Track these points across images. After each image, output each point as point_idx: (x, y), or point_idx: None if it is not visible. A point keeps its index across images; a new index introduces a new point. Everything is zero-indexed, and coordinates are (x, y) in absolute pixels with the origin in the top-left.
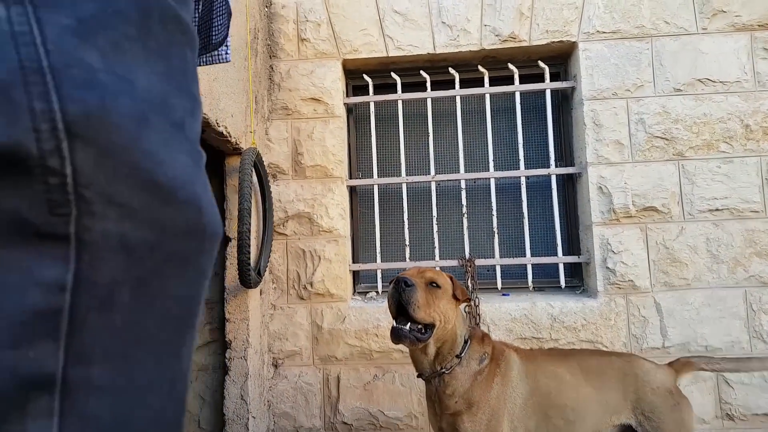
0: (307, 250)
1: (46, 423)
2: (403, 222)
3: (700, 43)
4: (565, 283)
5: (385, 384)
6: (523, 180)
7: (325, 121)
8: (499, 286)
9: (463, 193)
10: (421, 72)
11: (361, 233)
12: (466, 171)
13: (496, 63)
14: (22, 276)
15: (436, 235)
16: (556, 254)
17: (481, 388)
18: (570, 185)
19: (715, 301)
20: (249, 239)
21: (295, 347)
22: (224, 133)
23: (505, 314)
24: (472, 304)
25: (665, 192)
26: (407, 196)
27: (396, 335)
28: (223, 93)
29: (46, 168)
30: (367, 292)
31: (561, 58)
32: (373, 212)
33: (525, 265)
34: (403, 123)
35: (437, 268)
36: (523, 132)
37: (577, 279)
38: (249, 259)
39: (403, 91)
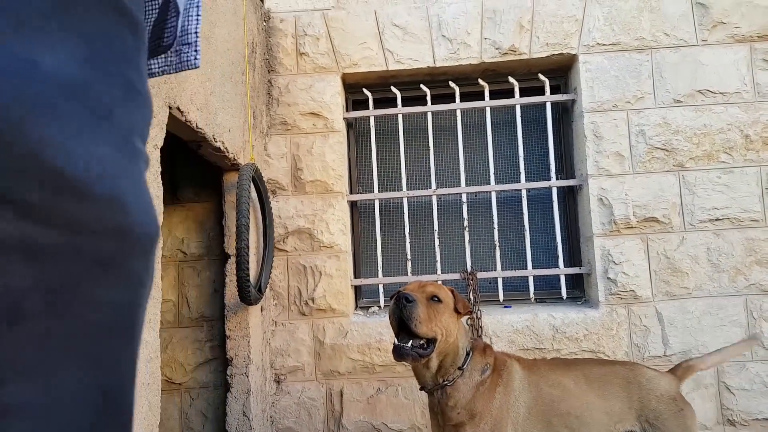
0: (308, 265)
1: None
2: (405, 236)
3: (700, 55)
4: (567, 294)
5: (389, 397)
6: (524, 193)
7: (325, 136)
8: (501, 298)
9: (464, 207)
10: (421, 86)
11: (362, 248)
12: (467, 185)
13: (497, 76)
14: None
15: (437, 249)
16: (557, 266)
17: (484, 398)
18: (571, 197)
19: (715, 310)
20: (248, 255)
21: (298, 363)
22: (221, 148)
23: (508, 326)
24: (474, 316)
25: (666, 203)
26: (408, 210)
27: (398, 353)
28: (220, 108)
29: None
30: (369, 307)
31: (561, 71)
32: (374, 227)
33: (526, 277)
34: (404, 137)
35: (439, 282)
36: (523, 145)
37: (579, 290)
38: (248, 275)
39: (403, 105)
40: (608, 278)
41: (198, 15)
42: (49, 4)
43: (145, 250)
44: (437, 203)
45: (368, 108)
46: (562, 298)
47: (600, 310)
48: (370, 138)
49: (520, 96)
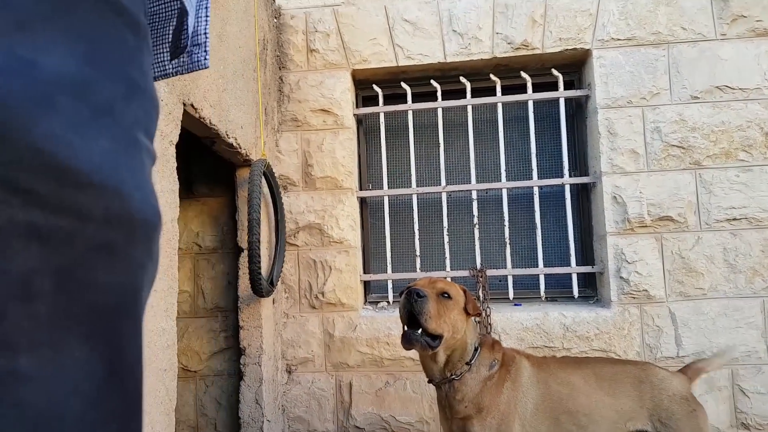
0: (318, 260)
1: None
2: (414, 233)
3: (719, 50)
4: (579, 293)
5: (397, 390)
6: (536, 190)
7: (335, 133)
8: (511, 296)
9: (475, 204)
10: (432, 81)
11: (372, 244)
12: (477, 181)
13: (509, 71)
14: None
15: (446, 246)
16: (569, 264)
17: (491, 393)
18: (584, 195)
19: (731, 311)
20: (259, 249)
21: (308, 354)
22: (234, 144)
23: (517, 324)
24: (484, 314)
25: (681, 201)
26: (418, 206)
27: (407, 340)
28: (232, 104)
29: None
30: (378, 302)
31: (575, 66)
32: (384, 223)
33: (537, 276)
34: (414, 133)
35: (448, 279)
36: (536, 141)
37: (591, 289)
38: (260, 268)
39: (413, 101)
40: (621, 277)
41: (207, 16)
42: (49, 7)
43: (145, 237)
44: (447, 200)
45: (378, 104)
46: (573, 296)
47: (612, 309)
48: (379, 134)
49: (533, 91)
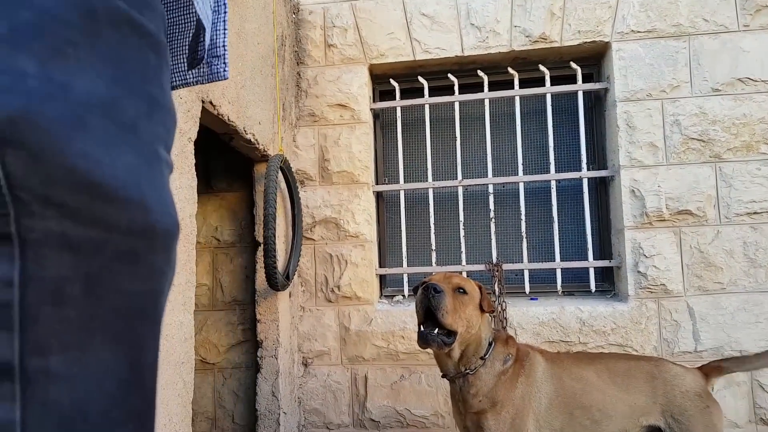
0: (334, 254)
1: (8, 407)
2: (430, 227)
3: (742, 41)
4: (596, 287)
5: (412, 384)
6: (553, 184)
7: (352, 127)
8: (527, 290)
9: (491, 198)
10: (449, 75)
11: (387, 238)
12: (494, 175)
13: (527, 64)
14: None
15: (462, 240)
16: (586, 258)
17: (505, 387)
18: (602, 188)
19: (751, 306)
20: (274, 243)
21: (324, 347)
22: (252, 140)
23: (533, 318)
24: (500, 308)
25: (701, 195)
26: (434, 201)
27: (424, 339)
28: (250, 101)
29: None
30: (394, 296)
31: (594, 59)
32: (400, 217)
33: (554, 270)
34: (430, 127)
35: (464, 273)
36: (554, 135)
37: (608, 283)
38: (275, 262)
39: (430, 95)
40: (638, 272)
41: (225, 29)
42: (80, 32)
43: (165, 245)
44: (463, 194)
45: (395, 98)
46: (590, 291)
47: (629, 303)
48: (396, 128)
49: (551, 84)
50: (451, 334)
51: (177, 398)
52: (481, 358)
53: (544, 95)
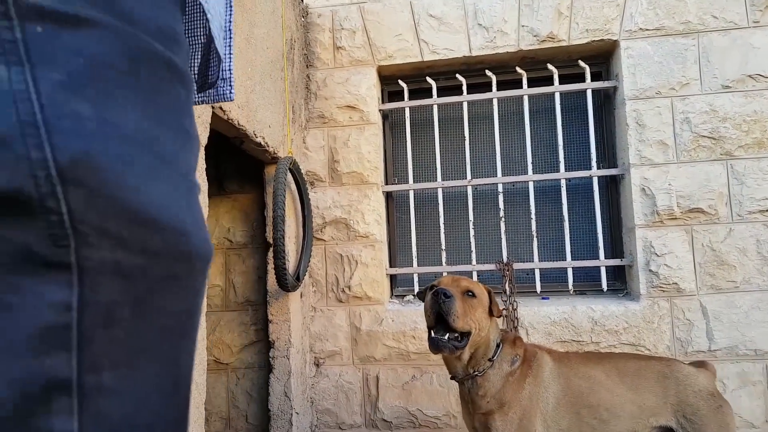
0: (344, 254)
1: (67, 419)
2: (439, 226)
3: (752, 38)
4: (608, 286)
5: (423, 384)
6: (563, 182)
7: (361, 128)
8: (539, 289)
9: (501, 197)
10: (457, 75)
11: (397, 238)
12: (503, 174)
13: (535, 63)
14: (36, 298)
15: (472, 240)
16: (597, 257)
17: (513, 388)
18: (613, 187)
19: (765, 304)
20: (283, 245)
21: (335, 347)
22: (262, 143)
23: (544, 318)
24: (510, 307)
25: (712, 193)
26: (443, 200)
27: (435, 345)
28: (260, 105)
29: (45, 208)
30: (405, 296)
31: (602, 57)
32: (409, 217)
33: (565, 269)
34: (439, 127)
35: (474, 273)
36: (563, 133)
37: (620, 282)
38: (285, 264)
39: (438, 96)
40: (650, 270)
41: (230, 54)
42: (125, 75)
43: (202, 268)
44: (472, 193)
45: (404, 99)
46: (602, 290)
47: (641, 302)
48: (405, 129)
49: (560, 83)
50: (462, 337)
51: (191, 399)
52: (490, 360)
53: (552, 94)
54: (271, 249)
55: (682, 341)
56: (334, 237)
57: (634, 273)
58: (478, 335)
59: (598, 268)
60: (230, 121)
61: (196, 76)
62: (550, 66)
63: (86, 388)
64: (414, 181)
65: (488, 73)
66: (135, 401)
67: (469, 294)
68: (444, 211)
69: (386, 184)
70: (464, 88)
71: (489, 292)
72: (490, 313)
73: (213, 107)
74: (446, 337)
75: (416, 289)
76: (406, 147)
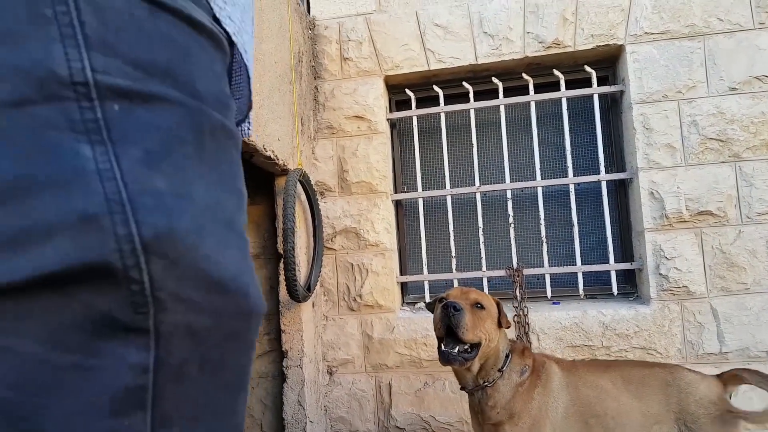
0: (355, 263)
1: None
2: (449, 234)
3: (757, 39)
4: (618, 290)
5: (436, 391)
6: (572, 187)
7: (369, 138)
8: (549, 294)
9: (509, 203)
10: (464, 83)
11: (407, 246)
12: (511, 180)
13: (541, 69)
14: (116, 361)
15: (482, 246)
16: (607, 261)
17: (522, 399)
18: (621, 191)
19: None
20: (294, 257)
21: (348, 356)
22: (272, 156)
23: (555, 323)
24: (521, 313)
25: (721, 195)
26: (452, 207)
27: (445, 358)
28: (269, 119)
29: (129, 278)
30: (416, 303)
31: (608, 62)
32: (419, 225)
33: (575, 273)
34: (447, 135)
35: (484, 279)
36: (570, 138)
37: (630, 286)
38: (295, 275)
39: (445, 103)
40: (660, 274)
41: (250, 90)
42: (193, 147)
43: (257, 324)
44: (481, 200)
45: (411, 108)
46: (612, 294)
47: (651, 306)
48: (413, 137)
49: (566, 89)
50: (473, 349)
51: None
52: (499, 371)
53: (559, 99)
54: (282, 260)
55: (693, 344)
56: (345, 246)
57: (644, 277)
58: (487, 346)
59: (608, 273)
60: None
61: None
62: (556, 72)
63: None
64: (423, 189)
65: (495, 80)
66: None
67: (478, 306)
68: (453, 218)
69: (395, 192)
70: (471, 95)
71: (498, 304)
72: (499, 325)
73: None
74: (456, 350)
75: (427, 296)
76: (414, 155)
